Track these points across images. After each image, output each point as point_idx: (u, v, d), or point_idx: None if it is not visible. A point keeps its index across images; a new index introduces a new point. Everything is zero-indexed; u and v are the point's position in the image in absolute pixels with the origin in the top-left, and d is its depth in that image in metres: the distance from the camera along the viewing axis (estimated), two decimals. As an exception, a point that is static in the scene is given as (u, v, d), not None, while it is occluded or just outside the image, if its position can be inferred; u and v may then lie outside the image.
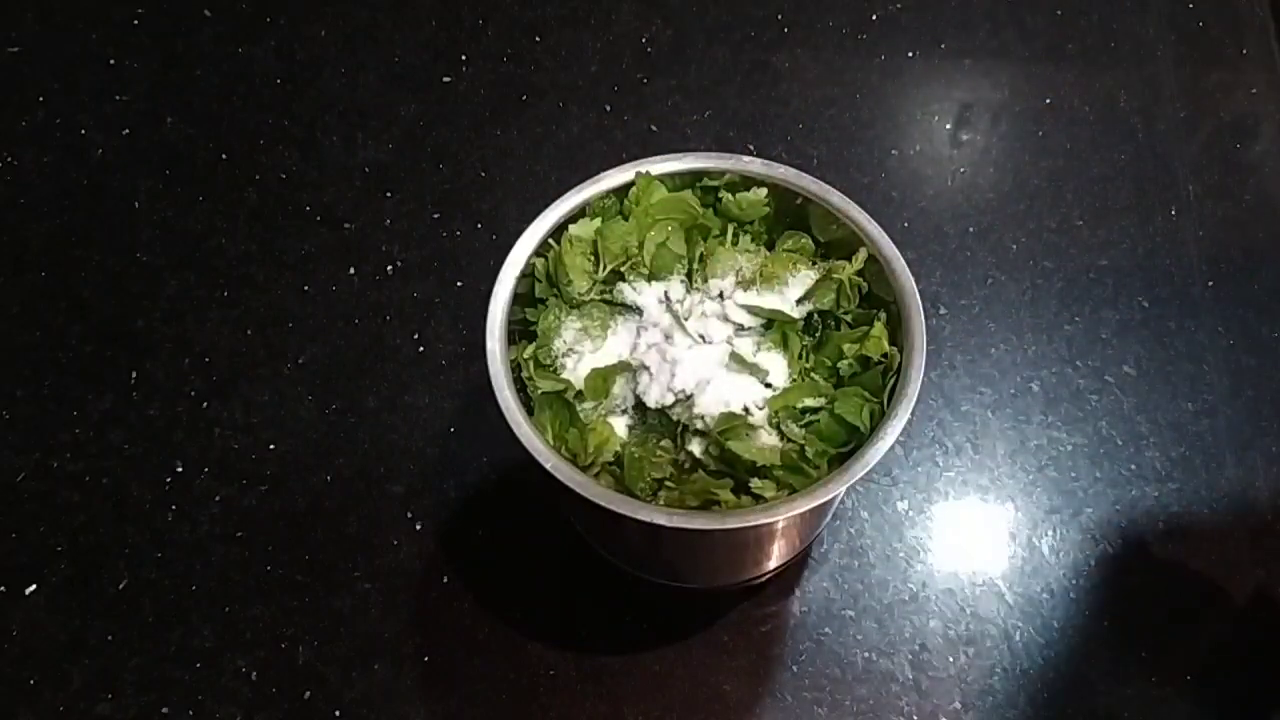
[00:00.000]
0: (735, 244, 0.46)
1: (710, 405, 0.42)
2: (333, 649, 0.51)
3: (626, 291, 0.45)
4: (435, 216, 0.64)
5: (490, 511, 0.55)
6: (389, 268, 0.62)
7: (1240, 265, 0.62)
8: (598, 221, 0.46)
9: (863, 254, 0.45)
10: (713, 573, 0.51)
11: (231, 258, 0.62)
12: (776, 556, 0.50)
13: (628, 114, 0.68)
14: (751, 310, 0.45)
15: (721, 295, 0.45)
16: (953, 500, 0.55)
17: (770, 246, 0.47)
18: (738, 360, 0.43)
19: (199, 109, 0.68)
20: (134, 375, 0.58)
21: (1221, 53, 0.70)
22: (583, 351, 0.44)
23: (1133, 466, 0.56)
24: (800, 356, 0.44)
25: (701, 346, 0.44)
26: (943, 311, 0.61)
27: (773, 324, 0.44)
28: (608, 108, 0.68)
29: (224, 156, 0.66)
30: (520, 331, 0.45)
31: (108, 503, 0.54)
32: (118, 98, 0.68)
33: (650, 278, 0.46)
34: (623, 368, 0.44)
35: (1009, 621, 0.52)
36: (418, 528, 0.54)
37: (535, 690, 0.50)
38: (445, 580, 0.53)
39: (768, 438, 0.42)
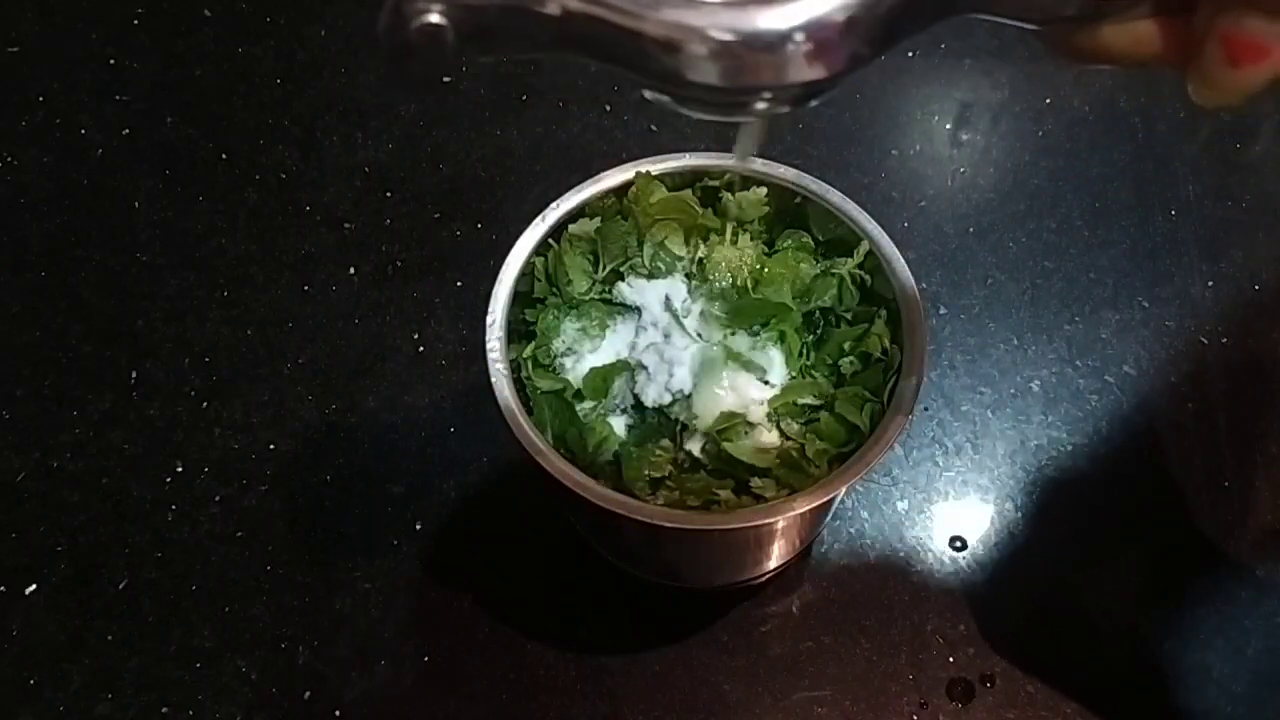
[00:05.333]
0: (735, 243, 0.46)
1: (708, 404, 0.42)
2: (333, 649, 0.51)
3: (625, 291, 0.45)
4: (435, 216, 0.64)
5: (490, 511, 0.55)
6: (389, 268, 0.62)
7: (1240, 265, 0.62)
8: (597, 221, 0.46)
9: (862, 251, 0.45)
10: (713, 573, 0.51)
11: (231, 258, 0.62)
12: (776, 556, 0.50)
13: (628, 114, 0.68)
14: (749, 308, 0.45)
15: (721, 294, 0.45)
16: (953, 500, 0.55)
17: (770, 245, 0.47)
18: (736, 358, 0.43)
19: (199, 109, 0.68)
20: (134, 375, 0.58)
21: (1221, 53, 0.70)
22: (581, 351, 0.44)
23: (1133, 466, 0.56)
24: (800, 354, 0.44)
25: (699, 345, 0.44)
26: (943, 311, 0.61)
27: (770, 322, 0.44)
28: (608, 108, 0.68)
29: (224, 156, 0.66)
30: (520, 331, 0.45)
31: (108, 503, 0.54)
32: (118, 98, 0.68)
33: (650, 277, 0.46)
34: (621, 367, 0.44)
35: (1008, 621, 0.52)
36: (418, 528, 0.54)
37: (535, 690, 0.50)
38: (445, 580, 0.52)
39: (767, 435, 0.42)
